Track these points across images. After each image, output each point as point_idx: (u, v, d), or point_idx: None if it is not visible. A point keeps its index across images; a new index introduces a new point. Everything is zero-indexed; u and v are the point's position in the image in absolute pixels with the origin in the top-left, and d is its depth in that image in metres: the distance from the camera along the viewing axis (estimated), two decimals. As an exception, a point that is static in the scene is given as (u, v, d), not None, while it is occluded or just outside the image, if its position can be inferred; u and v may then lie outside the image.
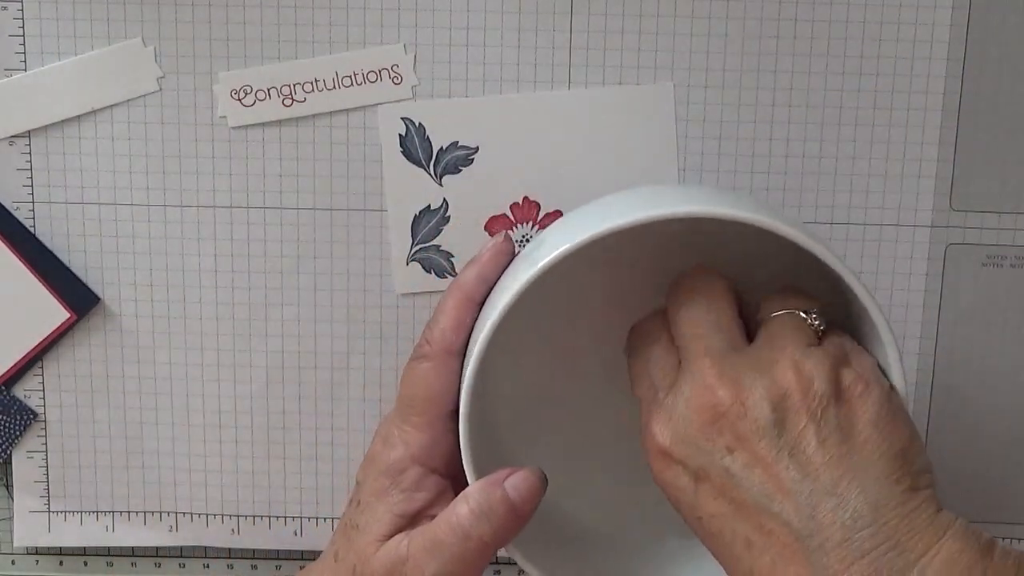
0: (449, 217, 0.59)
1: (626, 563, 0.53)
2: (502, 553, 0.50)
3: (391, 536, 0.49)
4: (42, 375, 0.61)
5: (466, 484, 0.49)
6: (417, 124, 0.58)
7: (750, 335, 0.47)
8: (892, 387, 0.45)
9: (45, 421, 0.61)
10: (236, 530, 0.62)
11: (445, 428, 0.50)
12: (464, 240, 0.59)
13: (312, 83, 0.57)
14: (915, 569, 0.40)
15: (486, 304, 0.49)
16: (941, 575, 0.40)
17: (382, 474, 0.50)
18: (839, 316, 0.48)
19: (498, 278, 0.50)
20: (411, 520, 0.50)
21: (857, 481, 0.41)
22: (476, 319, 0.50)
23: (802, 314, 0.46)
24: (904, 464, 0.42)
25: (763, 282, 0.49)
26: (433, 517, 0.49)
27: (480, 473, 0.49)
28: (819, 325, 0.46)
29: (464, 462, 0.48)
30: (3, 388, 0.60)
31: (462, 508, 0.48)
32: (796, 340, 0.45)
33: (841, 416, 0.42)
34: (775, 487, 0.42)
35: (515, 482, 0.48)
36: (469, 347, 0.49)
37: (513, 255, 0.50)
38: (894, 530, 0.40)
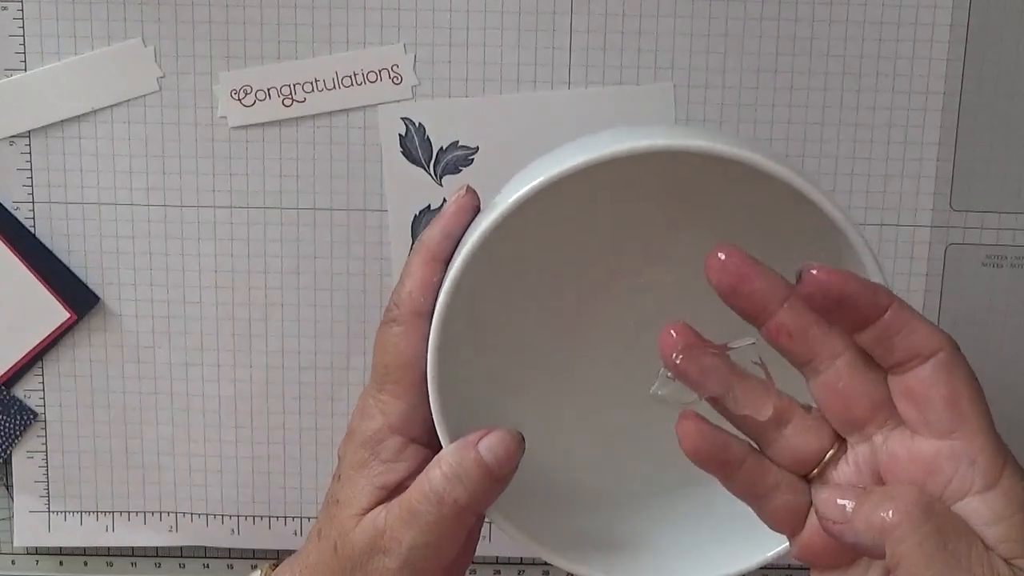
0: (449, 217, 0.59)
1: (609, 521, 0.51)
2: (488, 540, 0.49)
3: (372, 509, 0.47)
4: (42, 375, 0.61)
5: None
6: (417, 124, 0.58)
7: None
8: None
9: (45, 421, 0.61)
10: (236, 530, 0.62)
11: (422, 394, 0.46)
12: (464, 240, 0.59)
13: (312, 83, 0.57)
14: None
15: (451, 260, 0.47)
16: None
17: (361, 446, 0.48)
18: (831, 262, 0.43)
19: (463, 233, 0.47)
20: (392, 492, 0.47)
21: None
22: (443, 277, 0.47)
23: None
24: None
25: (750, 228, 0.45)
26: None
27: (455, 436, 0.46)
28: None
29: (436, 425, 0.46)
30: (3, 388, 0.60)
31: (435, 472, 0.46)
32: None
33: None
34: None
35: (490, 443, 0.45)
36: (436, 305, 0.46)
37: (478, 209, 0.48)
38: None
